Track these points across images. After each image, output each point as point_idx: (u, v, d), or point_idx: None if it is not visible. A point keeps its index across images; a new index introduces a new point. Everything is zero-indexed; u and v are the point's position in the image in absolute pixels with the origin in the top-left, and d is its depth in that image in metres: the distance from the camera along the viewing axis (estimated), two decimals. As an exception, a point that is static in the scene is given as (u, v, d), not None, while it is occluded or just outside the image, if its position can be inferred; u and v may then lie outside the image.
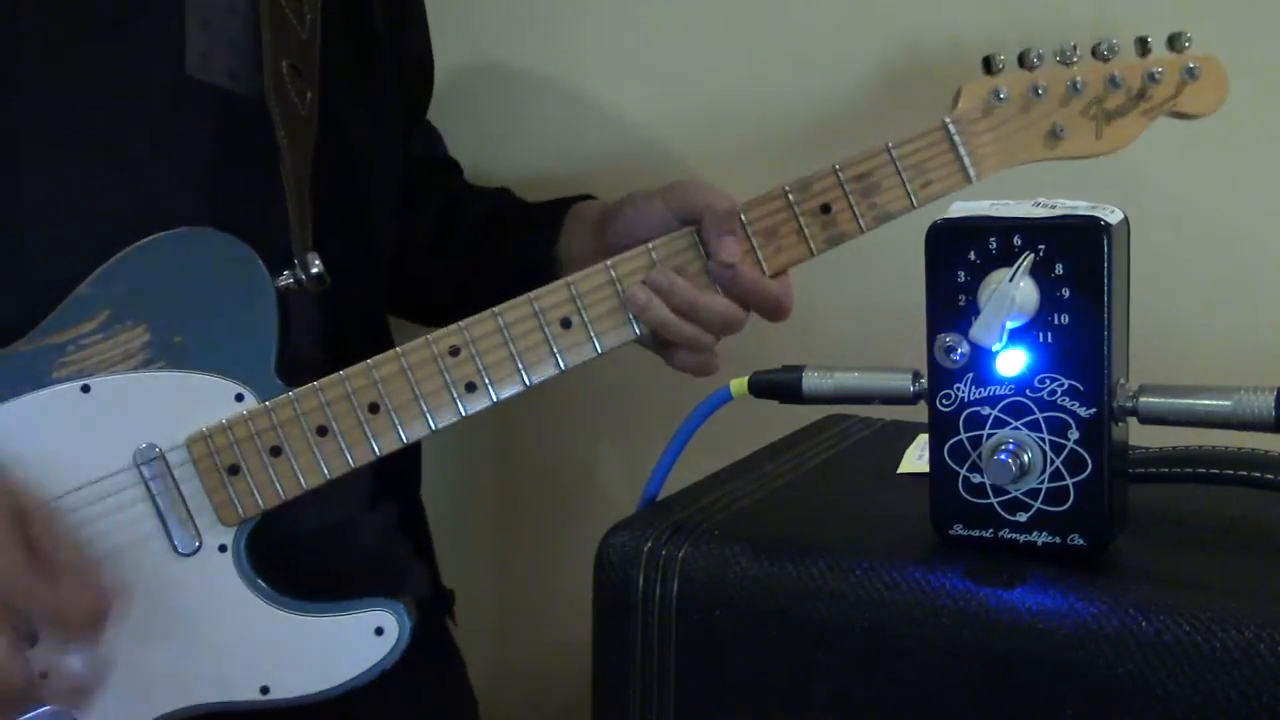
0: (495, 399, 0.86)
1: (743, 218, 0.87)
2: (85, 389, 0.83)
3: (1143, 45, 0.87)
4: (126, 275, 0.83)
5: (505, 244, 1.02)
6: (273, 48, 0.88)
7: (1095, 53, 0.86)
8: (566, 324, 0.86)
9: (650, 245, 0.87)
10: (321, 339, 0.94)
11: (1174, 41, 0.86)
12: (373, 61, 1.00)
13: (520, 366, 0.86)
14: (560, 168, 1.23)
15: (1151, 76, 0.86)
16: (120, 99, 0.86)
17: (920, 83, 1.05)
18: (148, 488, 0.83)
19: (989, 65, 0.86)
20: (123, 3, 0.87)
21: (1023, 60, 0.86)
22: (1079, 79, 0.86)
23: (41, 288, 0.83)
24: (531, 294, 0.86)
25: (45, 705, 0.81)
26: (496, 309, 0.86)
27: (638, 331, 0.87)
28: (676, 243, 0.87)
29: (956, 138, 0.86)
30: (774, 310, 0.89)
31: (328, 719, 0.87)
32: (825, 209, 0.87)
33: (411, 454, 1.07)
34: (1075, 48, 0.86)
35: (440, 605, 1.09)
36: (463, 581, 1.13)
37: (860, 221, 0.87)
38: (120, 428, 0.83)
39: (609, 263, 0.86)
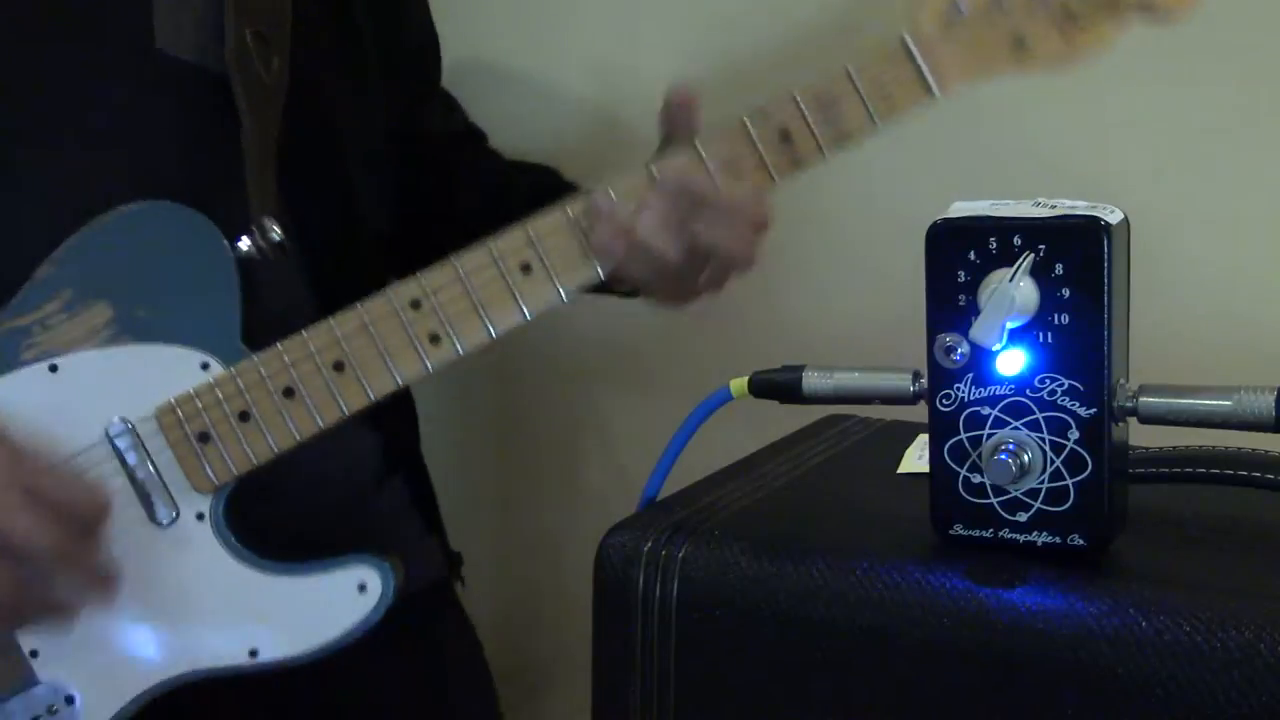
0: (460, 350, 0.85)
1: (701, 151, 0.85)
2: (53, 369, 0.84)
3: None
4: (86, 253, 0.84)
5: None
6: (235, 15, 0.88)
7: None
8: (527, 269, 0.85)
9: (608, 186, 0.85)
10: (314, 309, 0.94)
11: None
12: (349, 27, 1.00)
13: (483, 315, 0.85)
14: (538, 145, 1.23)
15: None
16: (91, 76, 0.87)
17: (882, 7, 1.04)
18: (122, 461, 0.84)
19: None
20: None
21: None
22: None
23: (11, 265, 0.84)
24: (489, 240, 0.85)
25: (40, 682, 0.82)
26: (454, 257, 0.85)
27: (600, 273, 0.86)
28: (636, 179, 0.85)
29: (915, 50, 0.84)
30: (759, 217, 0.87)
31: (337, 682, 0.88)
32: (785, 135, 0.85)
33: (407, 414, 1.07)
34: None
35: (450, 573, 1.09)
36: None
37: (820, 144, 0.85)
38: (90, 404, 0.84)
39: (565, 204, 0.85)
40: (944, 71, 0.84)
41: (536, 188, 1.05)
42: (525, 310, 0.85)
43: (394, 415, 1.03)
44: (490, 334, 0.85)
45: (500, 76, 1.24)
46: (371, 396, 0.85)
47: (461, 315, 0.85)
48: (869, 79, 0.84)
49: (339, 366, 0.84)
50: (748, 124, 0.86)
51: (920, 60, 0.84)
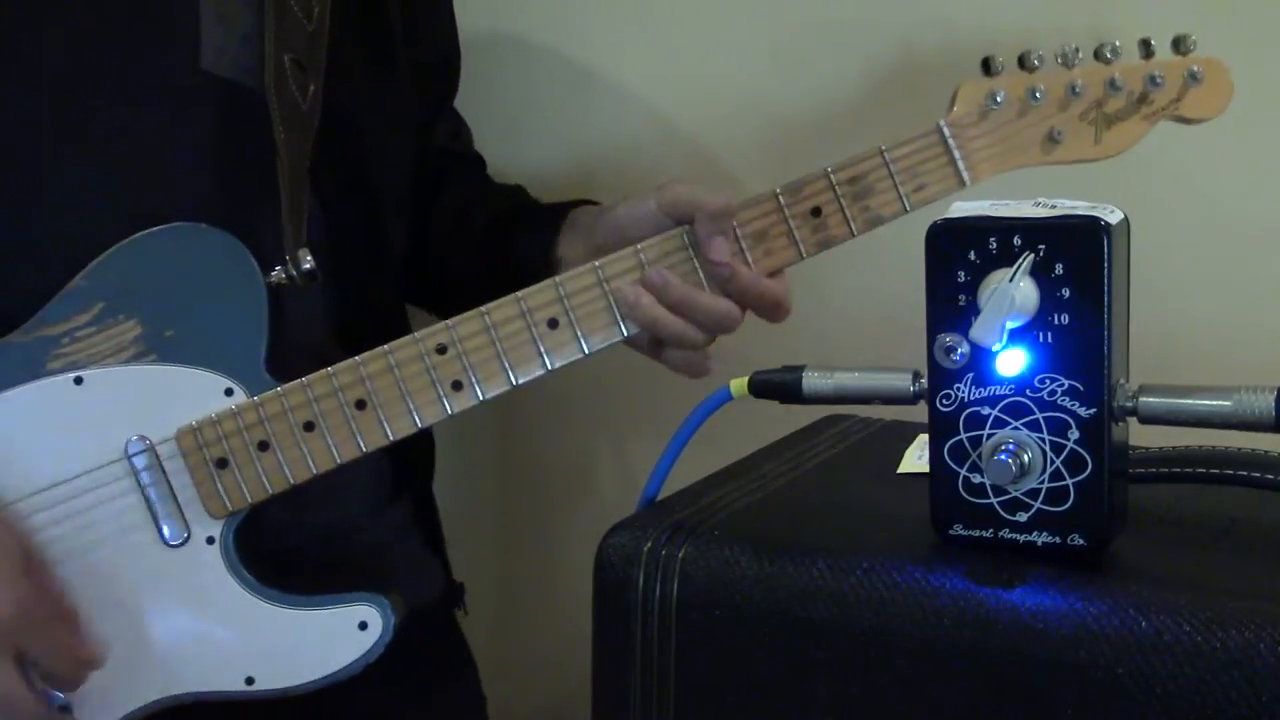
0: (482, 397, 0.86)
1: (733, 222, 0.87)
2: (78, 381, 0.84)
3: (1146, 48, 0.85)
4: (121, 269, 0.84)
5: (508, 246, 1.02)
6: (275, 42, 0.88)
7: (1097, 55, 0.85)
8: (554, 324, 0.86)
9: (639, 246, 0.87)
10: (335, 330, 0.95)
11: (1179, 44, 0.85)
12: (385, 52, 1.01)
13: (506, 365, 0.86)
14: (562, 162, 1.23)
15: (1153, 80, 0.85)
16: (138, 94, 0.87)
17: (920, 84, 1.05)
18: (138, 479, 0.84)
19: (988, 67, 0.85)
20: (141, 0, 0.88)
21: (1023, 62, 0.85)
22: (1079, 82, 0.85)
23: (56, 278, 0.84)
24: (519, 293, 0.86)
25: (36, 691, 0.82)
26: (484, 308, 0.86)
27: (625, 333, 0.87)
28: (667, 243, 0.87)
29: (951, 141, 0.85)
30: (772, 310, 0.89)
31: (336, 711, 0.88)
32: (816, 212, 0.86)
33: (425, 448, 1.08)
34: (1077, 50, 0.84)
35: (451, 599, 1.10)
36: (463, 582, 1.13)
37: (851, 225, 0.86)
38: (112, 420, 0.84)
39: (597, 264, 0.86)
40: (977, 161, 0.86)
41: (497, 215, 1.06)
42: (549, 363, 0.86)
43: (409, 439, 1.03)
44: (512, 384, 0.86)
45: (525, 78, 1.25)
46: (391, 437, 0.85)
47: (485, 364, 0.85)
48: (903, 164, 0.85)
49: (361, 404, 0.85)
50: (780, 197, 0.86)
51: (955, 149, 0.85)
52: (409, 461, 1.04)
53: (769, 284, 0.87)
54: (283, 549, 0.89)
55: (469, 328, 0.85)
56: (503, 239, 1.04)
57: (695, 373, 0.90)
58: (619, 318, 0.87)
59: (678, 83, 1.19)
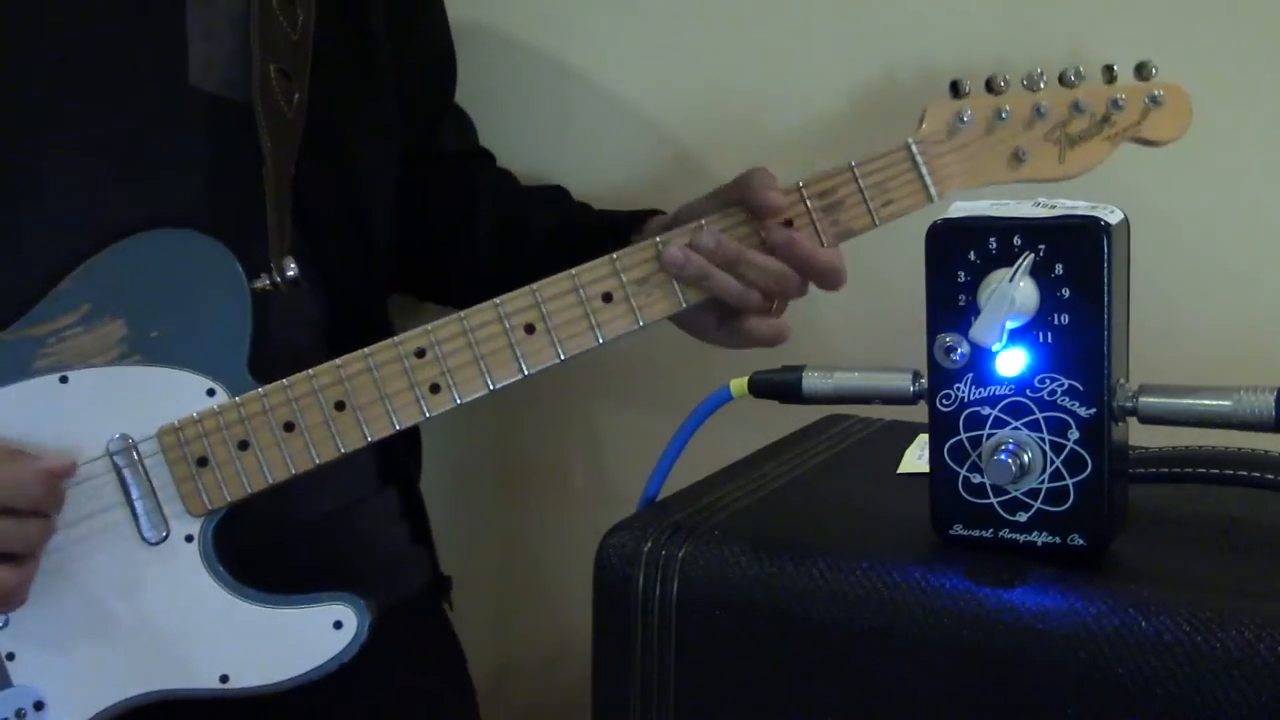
0: (458, 401, 0.87)
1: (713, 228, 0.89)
2: (63, 380, 0.85)
3: (1109, 73, 0.89)
4: (108, 272, 0.86)
5: (578, 258, 1.02)
6: (260, 52, 0.90)
7: (1062, 79, 0.89)
8: (530, 330, 0.87)
9: (614, 256, 0.88)
10: (321, 333, 0.96)
11: (1141, 69, 0.88)
12: (368, 61, 1.01)
13: (484, 369, 0.87)
14: (545, 168, 1.23)
15: (1115, 103, 0.88)
16: (126, 110, 0.88)
17: (896, 104, 1.06)
18: (119, 476, 0.85)
19: (956, 89, 0.89)
20: (128, 17, 0.89)
21: (990, 85, 0.88)
22: (1043, 104, 0.88)
23: (43, 282, 0.85)
24: (496, 300, 0.87)
25: (12, 685, 0.83)
26: (462, 313, 0.87)
27: (600, 339, 0.88)
28: (643, 252, 0.88)
29: (919, 158, 0.88)
30: (832, 278, 0.90)
31: (324, 705, 0.88)
32: (788, 225, 0.89)
33: (412, 441, 1.08)
34: (1042, 74, 0.88)
35: (439, 592, 1.10)
36: (461, 582, 1.13)
37: (822, 239, 0.89)
38: (95, 418, 0.85)
39: (573, 271, 0.88)
40: (944, 178, 0.89)
41: (556, 215, 1.06)
42: (524, 368, 0.87)
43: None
44: (489, 388, 0.87)
45: (516, 84, 1.25)
46: (369, 438, 0.86)
47: (463, 368, 0.87)
48: (872, 180, 0.89)
49: (340, 406, 0.86)
50: None
51: (922, 165, 0.88)
52: (394, 456, 1.04)
53: (825, 252, 0.89)
54: (265, 544, 0.89)
55: (447, 331, 0.87)
56: (567, 251, 1.03)
57: (778, 337, 0.92)
58: (594, 325, 0.88)
59: (661, 88, 1.18)
